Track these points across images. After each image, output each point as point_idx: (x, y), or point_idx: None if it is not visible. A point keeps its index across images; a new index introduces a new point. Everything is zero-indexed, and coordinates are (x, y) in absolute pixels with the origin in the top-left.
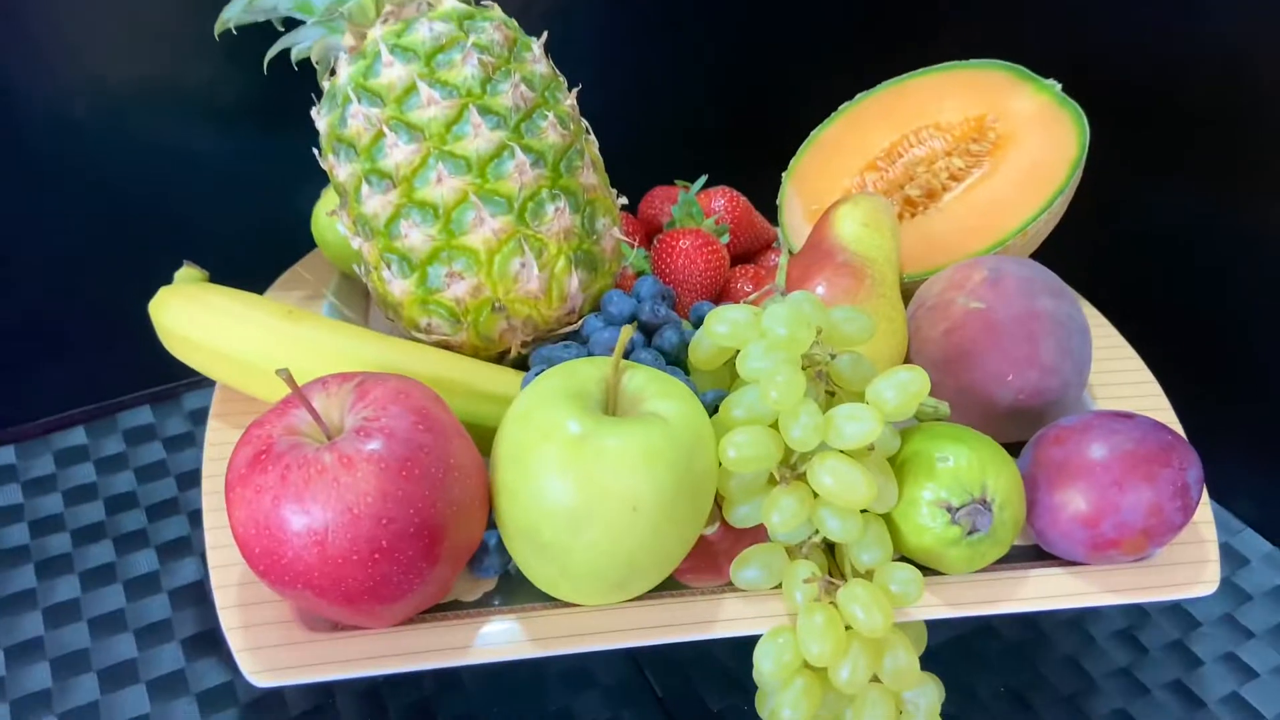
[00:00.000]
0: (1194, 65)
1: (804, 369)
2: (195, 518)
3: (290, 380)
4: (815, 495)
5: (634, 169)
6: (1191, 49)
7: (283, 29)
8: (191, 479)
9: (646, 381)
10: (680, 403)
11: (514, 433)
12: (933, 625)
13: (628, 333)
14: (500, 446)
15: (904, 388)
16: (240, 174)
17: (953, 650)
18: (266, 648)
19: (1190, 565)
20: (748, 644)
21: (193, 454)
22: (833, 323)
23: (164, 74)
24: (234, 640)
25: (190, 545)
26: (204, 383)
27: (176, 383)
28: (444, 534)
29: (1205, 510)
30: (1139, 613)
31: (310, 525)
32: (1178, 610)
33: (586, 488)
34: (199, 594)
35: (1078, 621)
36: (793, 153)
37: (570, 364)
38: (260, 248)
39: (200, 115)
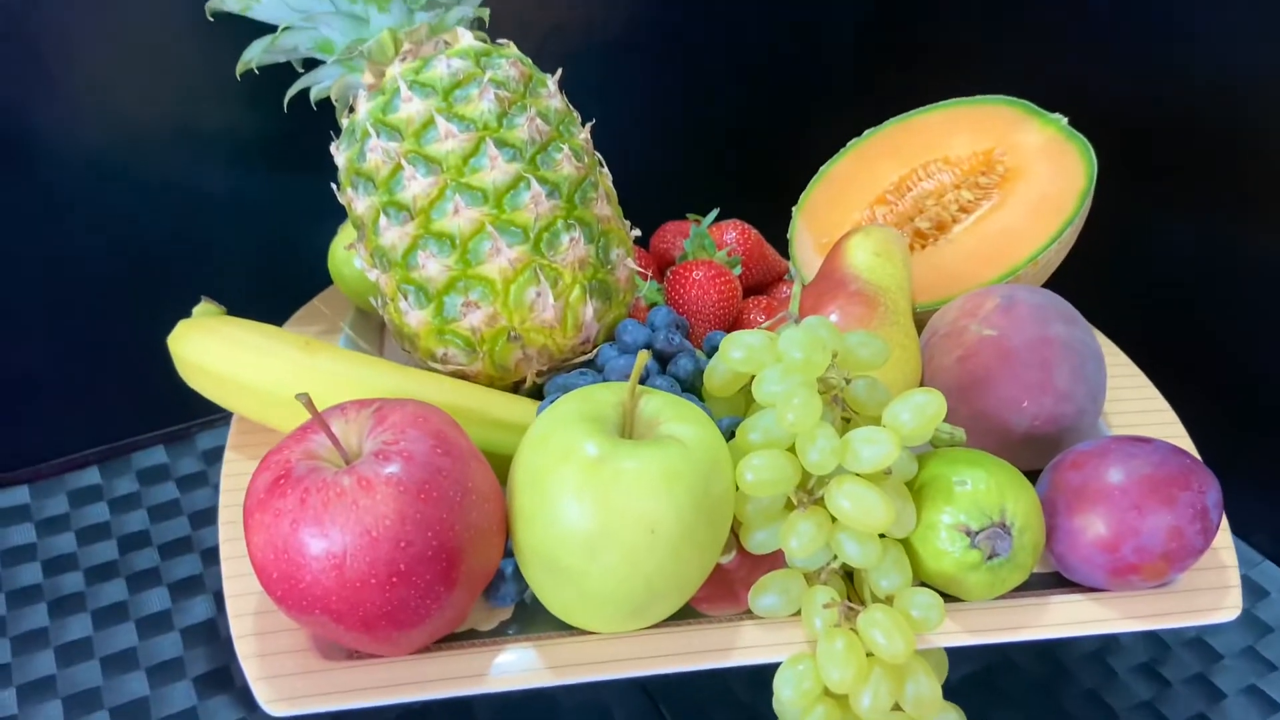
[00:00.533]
0: (1199, 94)
1: (820, 394)
2: (208, 556)
3: (310, 405)
4: (833, 520)
5: (645, 203)
6: (1196, 79)
7: (302, 70)
8: (204, 518)
9: (663, 405)
10: (697, 426)
11: (531, 456)
12: (952, 660)
13: (645, 357)
14: (517, 471)
15: (921, 410)
16: (258, 212)
17: (973, 685)
18: (282, 676)
19: (1212, 591)
20: (763, 675)
21: (206, 493)
22: (848, 347)
23: (185, 113)
24: (250, 669)
25: (203, 584)
26: (218, 423)
27: (190, 423)
28: (462, 557)
29: (1225, 536)
30: (1160, 646)
31: (329, 548)
32: (1199, 643)
33: (604, 510)
34: (211, 632)
35: (1099, 655)
36: (802, 188)
37: (587, 389)
38: (277, 284)
39: (219, 154)
